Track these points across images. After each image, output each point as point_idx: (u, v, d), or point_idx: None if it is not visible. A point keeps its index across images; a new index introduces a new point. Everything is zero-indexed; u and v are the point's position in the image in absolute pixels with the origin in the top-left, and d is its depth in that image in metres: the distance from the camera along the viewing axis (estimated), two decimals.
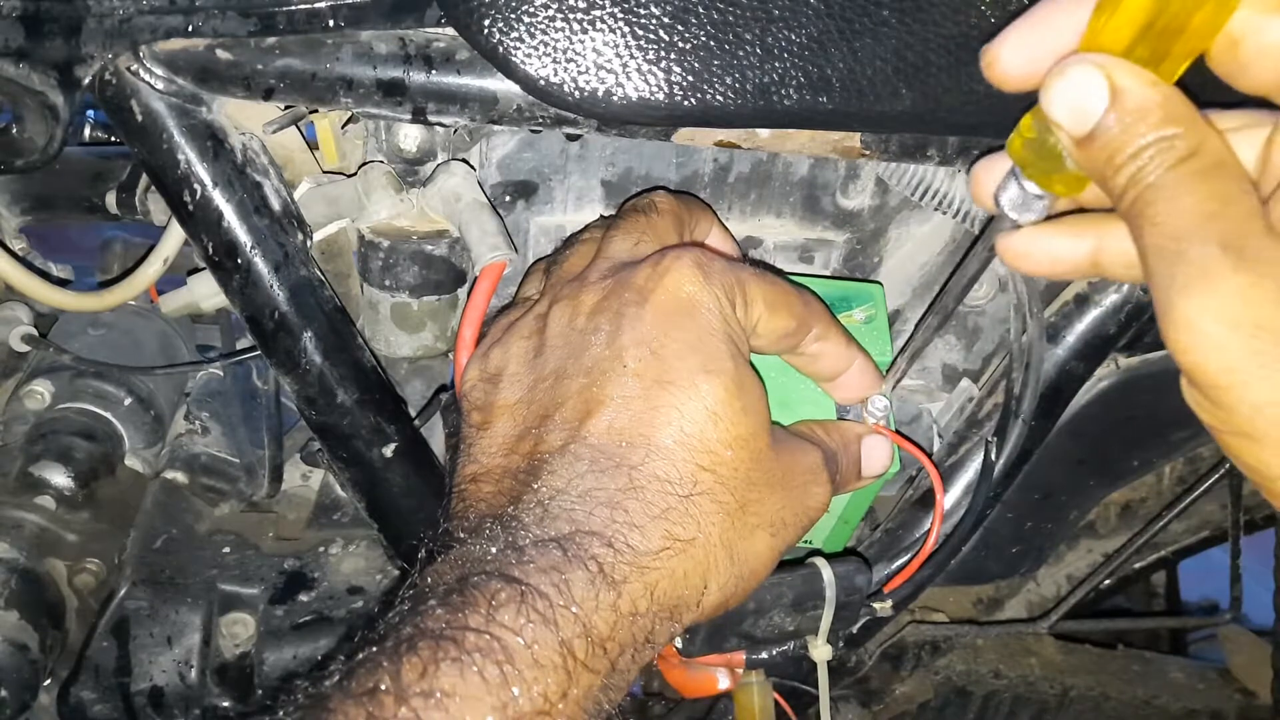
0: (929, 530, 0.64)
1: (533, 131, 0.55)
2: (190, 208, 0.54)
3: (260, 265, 0.55)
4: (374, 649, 0.37)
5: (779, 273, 0.51)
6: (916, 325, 0.50)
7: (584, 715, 0.38)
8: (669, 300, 0.44)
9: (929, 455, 0.60)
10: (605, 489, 0.41)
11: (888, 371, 0.53)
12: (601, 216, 0.61)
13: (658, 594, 0.40)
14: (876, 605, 0.61)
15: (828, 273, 0.66)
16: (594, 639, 0.38)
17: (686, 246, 0.47)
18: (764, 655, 0.57)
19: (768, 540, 0.45)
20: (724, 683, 0.60)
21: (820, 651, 0.56)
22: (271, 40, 0.50)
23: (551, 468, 0.42)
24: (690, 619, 0.43)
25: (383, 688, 0.35)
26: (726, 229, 0.56)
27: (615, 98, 0.47)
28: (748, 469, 0.43)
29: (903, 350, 0.52)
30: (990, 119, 0.49)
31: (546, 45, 0.46)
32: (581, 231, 0.55)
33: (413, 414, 0.65)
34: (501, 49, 0.46)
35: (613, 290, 0.46)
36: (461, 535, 0.41)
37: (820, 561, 0.54)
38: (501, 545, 0.39)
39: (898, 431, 0.54)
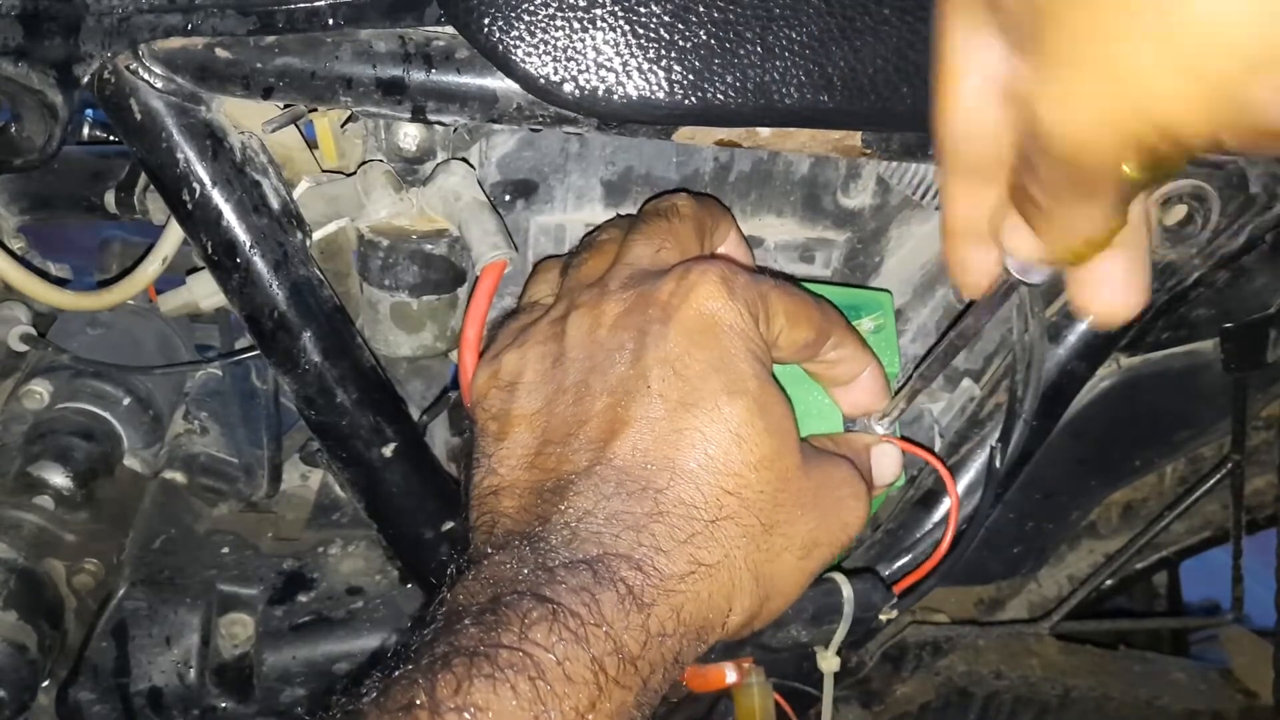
0: (933, 530, 0.64)
1: (532, 130, 0.55)
2: (189, 207, 0.54)
3: (259, 264, 0.55)
4: (409, 666, 0.37)
5: (795, 281, 0.51)
6: (918, 364, 0.51)
7: None
8: (693, 318, 0.44)
9: (940, 459, 0.60)
10: (632, 513, 0.41)
11: (895, 394, 0.53)
12: (618, 216, 0.61)
13: (684, 616, 0.40)
14: (882, 616, 0.61)
15: (829, 272, 0.66)
16: (625, 657, 0.38)
17: (711, 260, 0.47)
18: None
19: (795, 563, 0.44)
20: (731, 676, 0.60)
21: (829, 663, 0.56)
22: (270, 39, 0.49)
23: (578, 488, 0.42)
24: (715, 638, 0.43)
25: (418, 703, 0.35)
26: (742, 235, 0.55)
27: (616, 96, 0.47)
28: (774, 490, 0.43)
29: (902, 387, 0.52)
30: None
31: (546, 44, 0.46)
32: (598, 232, 0.54)
33: (413, 414, 0.65)
34: (501, 47, 0.46)
35: (635, 304, 0.45)
36: (489, 551, 0.41)
37: (840, 578, 0.55)
38: (532, 566, 0.40)
39: (905, 438, 0.53)
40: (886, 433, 0.52)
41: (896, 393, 0.52)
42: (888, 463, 0.52)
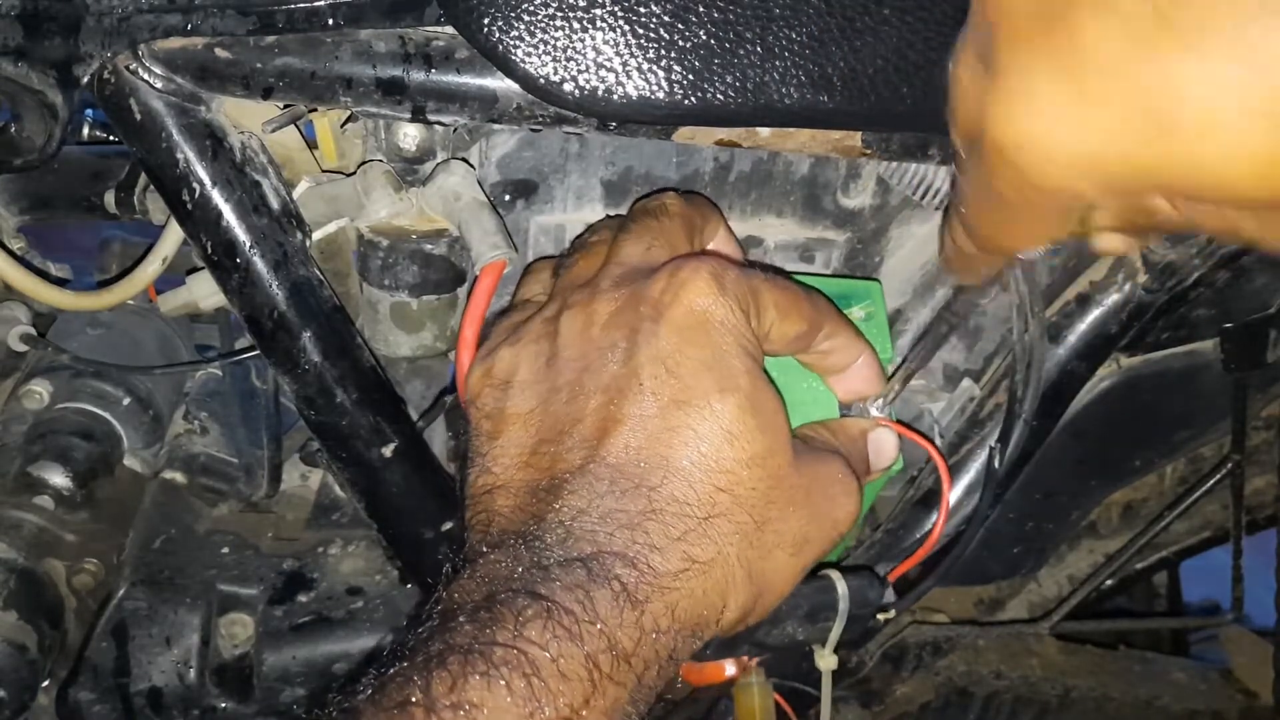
0: (933, 523, 0.64)
1: (532, 130, 0.55)
2: (189, 207, 0.54)
3: (259, 264, 0.55)
4: (404, 664, 0.37)
5: (785, 274, 0.51)
6: (912, 345, 0.51)
7: None
8: (685, 315, 0.44)
9: (934, 445, 0.60)
10: (626, 511, 0.41)
11: (890, 378, 0.53)
12: (608, 216, 0.61)
13: (678, 613, 0.41)
14: (880, 615, 0.61)
15: (828, 272, 0.66)
16: (619, 654, 0.38)
17: (701, 257, 0.47)
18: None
19: (786, 559, 0.45)
20: (730, 670, 0.60)
21: (826, 661, 0.57)
22: (270, 39, 0.49)
23: (572, 487, 0.42)
24: (710, 634, 0.43)
25: (413, 700, 0.35)
26: (731, 231, 0.55)
27: (616, 96, 0.47)
28: (766, 487, 0.43)
29: (897, 370, 0.52)
30: None
31: (546, 44, 0.46)
32: (589, 233, 0.54)
33: (412, 414, 0.65)
34: (501, 47, 0.46)
35: (627, 302, 0.46)
36: (484, 549, 0.42)
37: (835, 575, 0.55)
38: (527, 564, 0.40)
39: (901, 422, 0.54)
40: (882, 415, 0.53)
41: (891, 376, 0.52)
42: (885, 446, 0.52)
